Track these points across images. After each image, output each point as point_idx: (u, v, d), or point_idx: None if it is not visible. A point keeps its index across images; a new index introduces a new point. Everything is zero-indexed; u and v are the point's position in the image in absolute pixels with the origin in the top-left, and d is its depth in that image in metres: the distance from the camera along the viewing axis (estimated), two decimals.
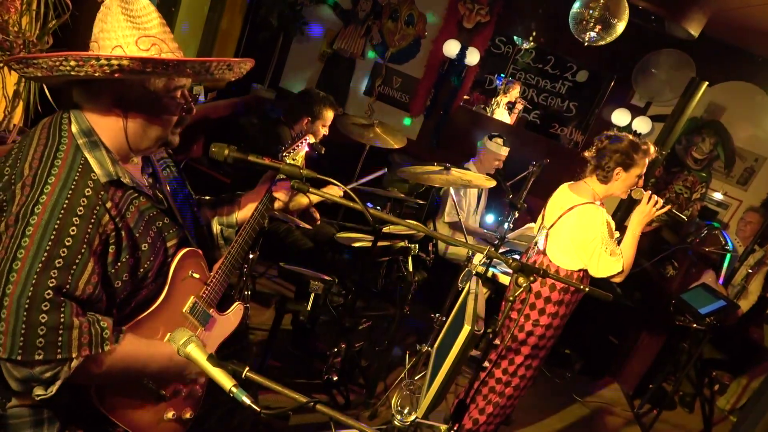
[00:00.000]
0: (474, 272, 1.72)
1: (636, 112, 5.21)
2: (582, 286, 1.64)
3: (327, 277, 2.56)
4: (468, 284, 1.76)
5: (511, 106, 5.91)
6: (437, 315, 3.01)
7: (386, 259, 2.99)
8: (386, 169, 3.18)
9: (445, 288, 3.89)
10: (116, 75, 1.13)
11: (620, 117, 5.15)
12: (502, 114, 5.84)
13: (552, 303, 2.59)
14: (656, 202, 2.51)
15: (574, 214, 2.55)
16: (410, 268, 2.80)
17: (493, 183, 2.97)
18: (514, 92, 5.79)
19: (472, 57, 5.15)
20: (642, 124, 5.06)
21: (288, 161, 1.69)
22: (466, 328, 1.41)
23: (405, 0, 5.31)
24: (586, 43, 3.59)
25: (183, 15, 4.33)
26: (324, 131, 3.11)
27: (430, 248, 3.12)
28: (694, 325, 3.51)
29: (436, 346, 1.83)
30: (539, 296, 2.59)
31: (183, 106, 1.31)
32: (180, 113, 1.31)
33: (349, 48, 5.39)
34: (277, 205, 1.60)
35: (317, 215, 2.84)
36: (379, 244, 2.66)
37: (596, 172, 2.58)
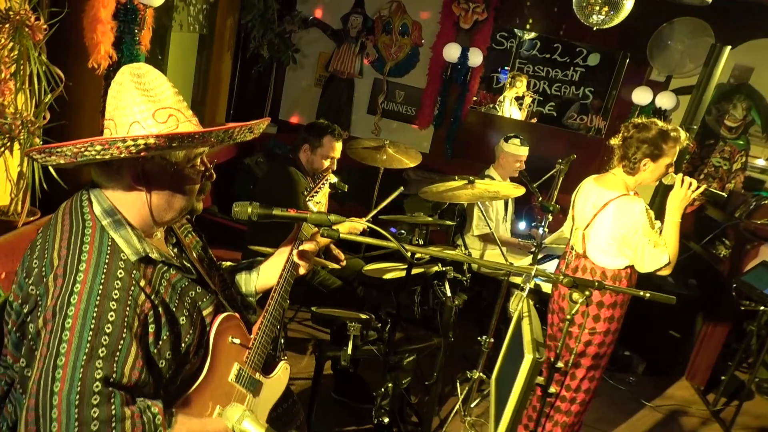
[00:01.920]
0: (525, 294, 1.72)
1: (657, 88, 5.18)
2: (642, 293, 1.63)
3: (363, 315, 2.56)
4: (519, 306, 1.75)
5: (520, 101, 5.92)
6: (484, 338, 2.99)
7: (421, 286, 2.99)
8: (402, 188, 3.20)
9: (486, 306, 3.94)
10: (142, 154, 1.16)
11: (641, 96, 5.13)
12: (510, 110, 5.85)
13: (606, 307, 2.57)
14: (690, 184, 2.50)
15: (609, 210, 2.54)
16: (448, 293, 2.78)
17: (521, 191, 2.98)
18: (521, 85, 5.80)
19: (475, 57, 5.19)
20: (666, 100, 5.03)
21: (312, 205, 1.71)
22: (529, 358, 1.42)
23: (396, 10, 5.38)
24: (595, 27, 3.60)
25: (172, 61, 4.43)
26: (327, 163, 3.11)
27: (465, 267, 3.12)
28: (762, 307, 3.44)
29: (494, 376, 1.82)
30: (590, 302, 2.57)
31: (205, 174, 1.34)
32: (202, 180, 1.34)
33: (345, 68, 5.45)
34: (301, 272, 1.61)
35: (341, 256, 2.87)
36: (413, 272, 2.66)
37: (623, 162, 2.58)
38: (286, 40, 5.26)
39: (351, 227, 2.77)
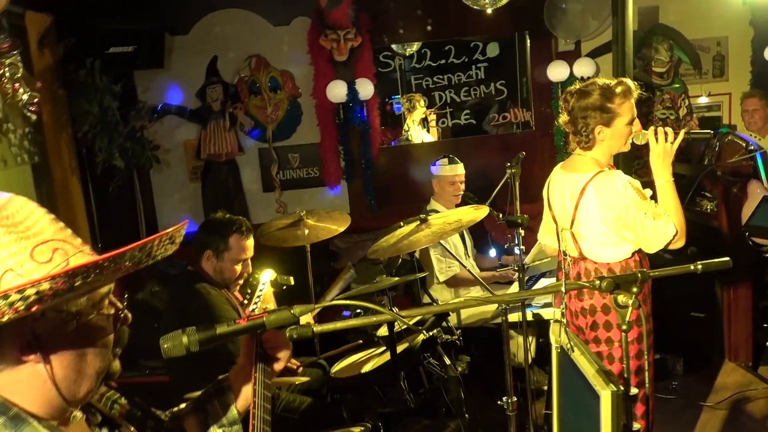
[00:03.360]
0: (555, 319, 1.62)
1: (570, 58, 5.42)
2: (693, 267, 1.55)
3: (357, 430, 2.35)
4: (554, 339, 1.62)
5: (425, 122, 6.01)
6: (506, 399, 2.83)
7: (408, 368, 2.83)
8: (353, 270, 3.10)
9: (490, 361, 3.78)
10: (33, 309, 0.95)
11: (557, 71, 5.33)
12: (420, 135, 5.95)
13: (642, 302, 2.48)
14: (666, 135, 2.51)
15: (588, 194, 2.54)
16: (447, 361, 2.63)
17: (484, 211, 2.92)
18: (420, 105, 5.90)
19: (365, 89, 5.23)
20: (584, 67, 5.25)
21: (260, 311, 1.54)
22: (606, 394, 1.29)
23: (258, 66, 5.39)
24: (488, 9, 3.69)
25: None
26: (239, 268, 2.92)
27: (448, 324, 3.00)
28: None
29: None
30: (608, 310, 2.53)
31: (118, 317, 1.16)
32: (116, 327, 1.15)
33: (220, 150, 5.37)
34: (277, 366, 1.48)
35: (296, 363, 2.77)
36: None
37: (576, 138, 2.60)
38: (139, 140, 5.09)
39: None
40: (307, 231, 3.67)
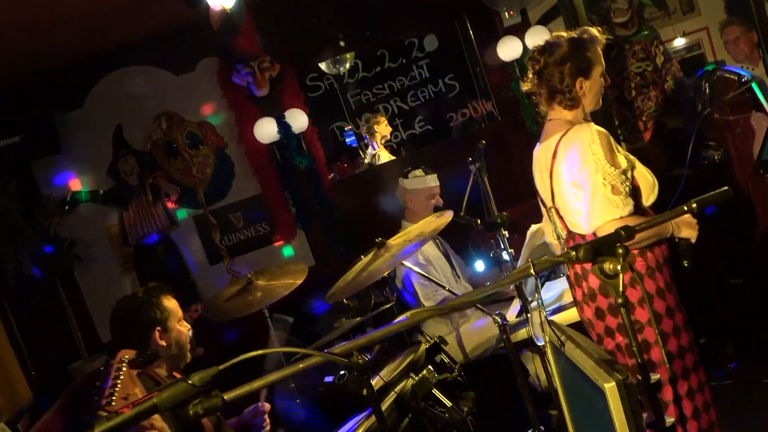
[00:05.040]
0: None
1: (520, 31, 5.43)
2: (685, 207, 1.55)
3: None
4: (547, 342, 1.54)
5: (389, 142, 5.99)
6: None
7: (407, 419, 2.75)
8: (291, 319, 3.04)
9: (501, 393, 3.72)
10: None
11: (509, 49, 5.35)
12: (387, 156, 5.96)
13: (646, 275, 2.45)
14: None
15: (559, 156, 2.53)
16: (448, 403, 2.63)
17: (446, 217, 2.91)
18: (382, 122, 5.86)
19: (298, 121, 5.23)
20: (537, 36, 5.22)
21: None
22: (611, 387, 1.28)
23: (170, 124, 5.37)
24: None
25: None
26: (182, 327, 2.91)
27: (443, 360, 2.91)
28: None
29: None
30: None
31: None
32: None
33: (148, 228, 5.28)
34: None
35: None
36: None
37: (557, 99, 2.58)
38: (52, 240, 4.99)
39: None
40: (259, 294, 3.62)
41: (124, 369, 1.85)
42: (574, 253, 1.40)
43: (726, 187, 1.55)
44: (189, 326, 2.99)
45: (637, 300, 2.43)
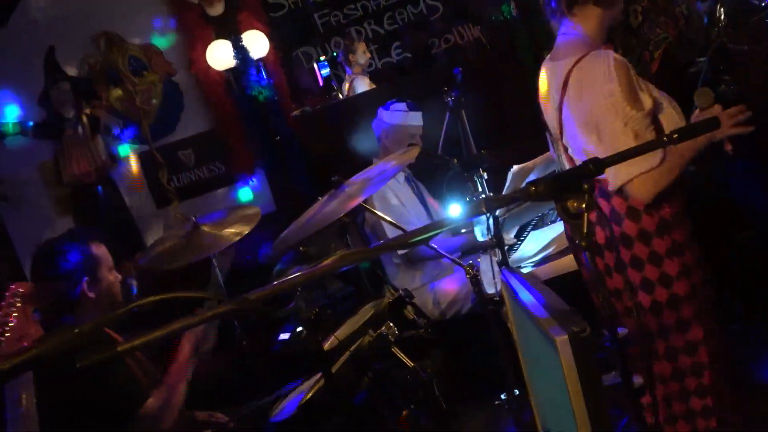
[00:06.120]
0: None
1: None
2: (665, 138, 1.47)
3: None
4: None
5: (366, 69, 5.89)
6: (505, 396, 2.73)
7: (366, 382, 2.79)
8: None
9: (477, 354, 3.81)
10: None
11: None
12: (364, 85, 5.89)
13: (656, 234, 2.36)
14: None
15: (571, 87, 2.38)
16: (409, 363, 2.64)
17: (415, 150, 2.97)
18: (361, 50, 5.75)
19: (257, 44, 5.14)
20: None
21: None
22: (562, 339, 1.27)
23: (110, 46, 5.28)
24: None
25: None
26: (112, 278, 2.91)
27: (410, 315, 2.98)
28: None
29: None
30: (629, 241, 2.39)
31: None
32: None
33: (87, 166, 5.23)
34: None
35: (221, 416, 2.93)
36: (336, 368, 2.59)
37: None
38: None
39: None
40: (205, 240, 3.63)
41: (18, 305, 1.83)
42: (533, 188, 1.35)
43: (714, 117, 1.47)
44: (120, 276, 2.98)
45: (666, 253, 2.34)
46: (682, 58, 5.12)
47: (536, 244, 3.72)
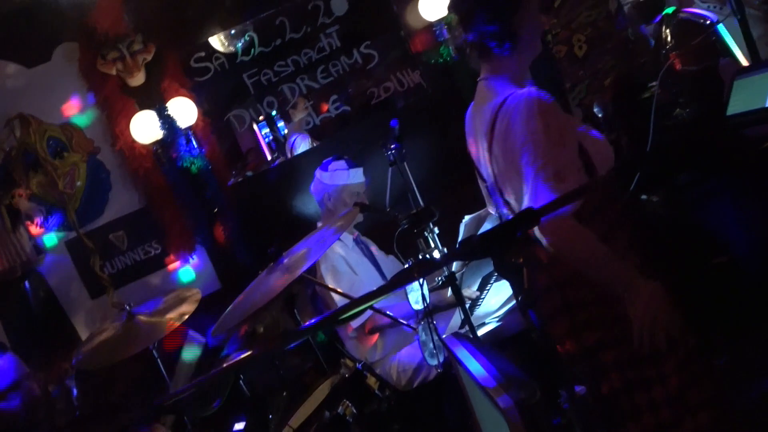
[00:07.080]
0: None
1: None
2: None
3: None
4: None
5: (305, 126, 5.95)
6: None
7: None
8: None
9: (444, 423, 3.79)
10: None
11: (431, 6, 5.34)
12: (306, 143, 5.99)
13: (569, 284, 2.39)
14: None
15: (498, 131, 2.49)
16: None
17: (353, 212, 2.92)
18: (301, 104, 5.83)
19: (185, 113, 5.20)
20: None
21: None
22: (508, 407, 1.28)
23: (25, 129, 5.23)
24: None
25: None
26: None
27: (374, 387, 2.90)
28: None
29: None
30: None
31: None
32: None
33: (9, 261, 5.16)
34: None
35: None
36: None
37: (489, 47, 2.55)
38: None
39: None
40: (143, 330, 3.73)
41: None
42: (465, 248, 1.44)
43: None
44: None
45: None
46: (634, 84, 5.25)
47: (500, 296, 3.73)
